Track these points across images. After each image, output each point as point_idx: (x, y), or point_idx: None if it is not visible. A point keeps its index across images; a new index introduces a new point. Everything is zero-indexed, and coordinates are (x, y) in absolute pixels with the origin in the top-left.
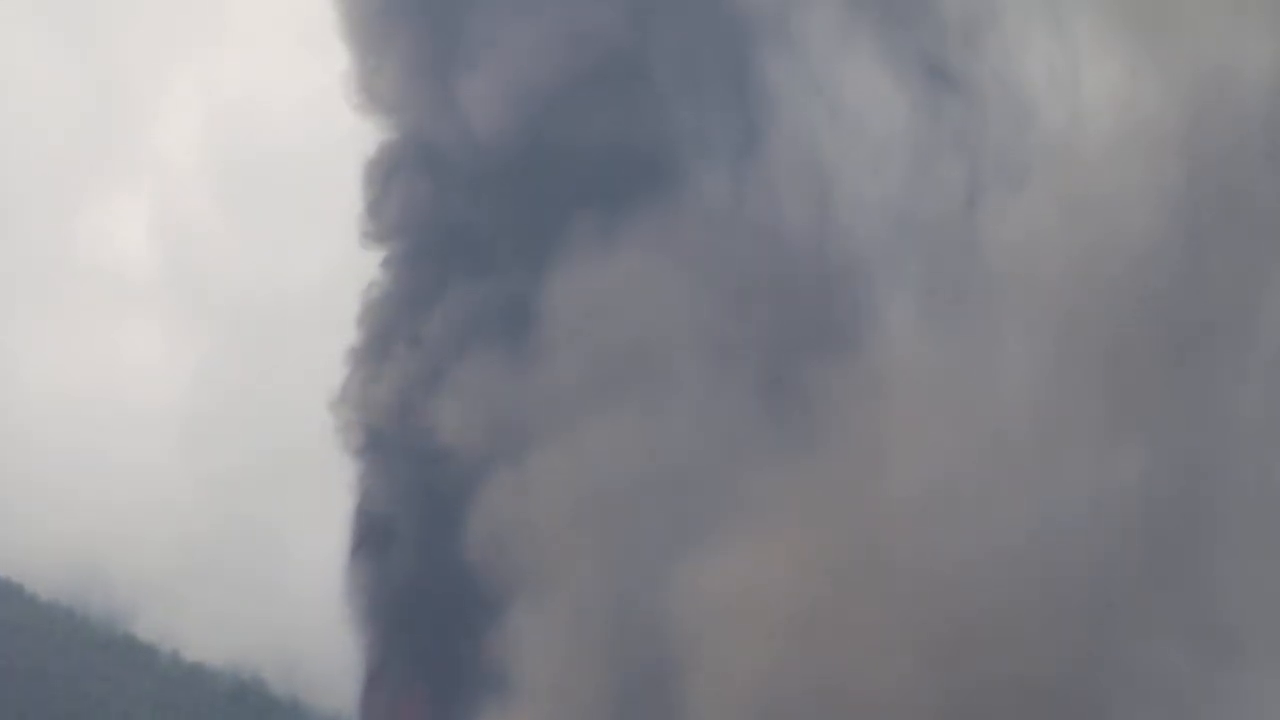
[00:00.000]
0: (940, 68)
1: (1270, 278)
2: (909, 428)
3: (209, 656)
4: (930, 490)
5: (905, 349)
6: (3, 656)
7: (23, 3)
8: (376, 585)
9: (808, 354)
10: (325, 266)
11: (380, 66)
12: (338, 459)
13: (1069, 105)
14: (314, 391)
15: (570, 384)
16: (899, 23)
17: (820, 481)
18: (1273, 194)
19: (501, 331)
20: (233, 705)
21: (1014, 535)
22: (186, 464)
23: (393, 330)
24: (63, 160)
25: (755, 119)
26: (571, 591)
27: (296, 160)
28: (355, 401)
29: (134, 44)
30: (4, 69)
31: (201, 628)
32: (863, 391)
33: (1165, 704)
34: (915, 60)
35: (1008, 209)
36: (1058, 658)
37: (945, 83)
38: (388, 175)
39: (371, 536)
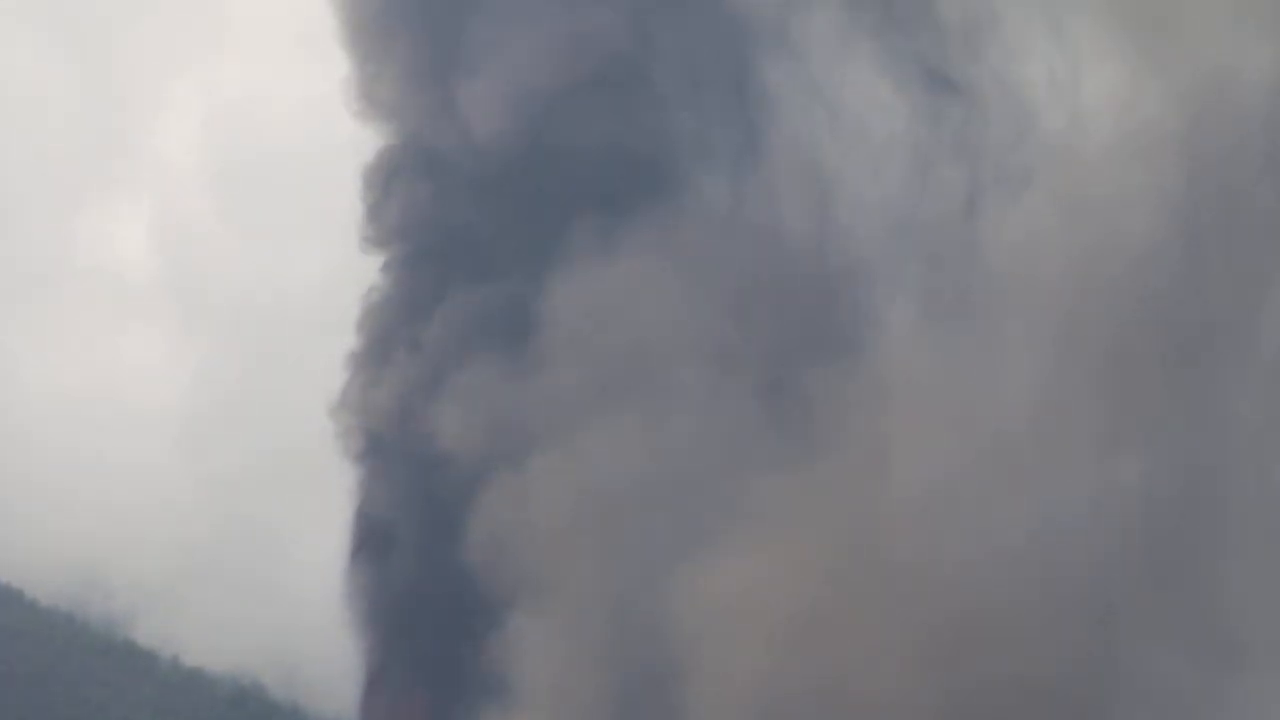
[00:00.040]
0: (940, 71)
1: (1271, 280)
2: (910, 431)
3: (209, 662)
4: (931, 493)
5: (906, 353)
6: (3, 662)
7: (23, 6)
8: (377, 589)
9: (808, 358)
10: (325, 269)
11: (380, 72)
12: (338, 462)
13: (1069, 108)
14: (314, 394)
15: (571, 388)
16: (899, 26)
17: (821, 485)
18: (1273, 196)
19: (502, 336)
20: (233, 711)
21: (1014, 538)
22: (186, 466)
23: (392, 335)
24: (63, 162)
25: (755, 123)
26: (572, 596)
27: (296, 162)
28: (355, 406)
29: (134, 47)
30: (4, 72)
31: (201, 632)
32: (863, 395)
33: (1165, 706)
34: (915, 64)
35: (1008, 212)
36: (1058, 660)
37: (945, 86)
38: (387, 180)
39: (372, 540)
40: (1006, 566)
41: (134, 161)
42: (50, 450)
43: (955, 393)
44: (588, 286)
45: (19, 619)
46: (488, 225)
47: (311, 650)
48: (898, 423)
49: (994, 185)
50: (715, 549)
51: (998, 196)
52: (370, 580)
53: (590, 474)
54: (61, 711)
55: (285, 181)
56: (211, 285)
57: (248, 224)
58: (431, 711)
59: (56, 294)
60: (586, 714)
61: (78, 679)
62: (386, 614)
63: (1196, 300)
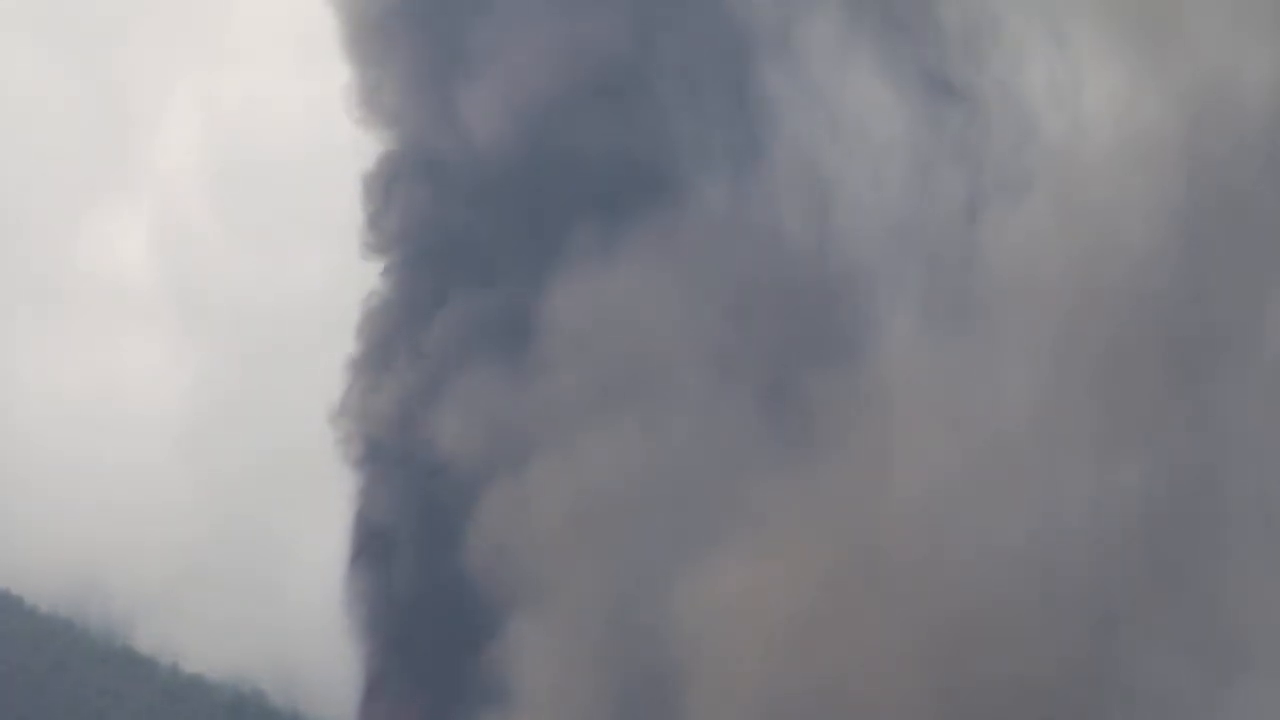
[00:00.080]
0: (940, 76)
1: (1271, 284)
2: (910, 434)
3: (208, 668)
4: (931, 496)
5: (906, 358)
6: (2, 669)
7: (23, 12)
8: (376, 595)
9: (808, 363)
10: (325, 273)
11: (381, 79)
12: (338, 468)
13: (1069, 114)
14: (314, 400)
15: (571, 393)
16: (899, 32)
17: (821, 488)
18: (1273, 200)
19: (502, 341)
20: (232, 717)
21: (1014, 540)
22: (186, 471)
23: (392, 340)
24: (64, 167)
25: (756, 129)
26: (572, 600)
27: (296, 168)
28: (355, 412)
29: (134, 53)
30: (4, 78)
31: (200, 638)
32: (863, 400)
33: (1164, 707)
34: (915, 68)
35: (1008, 217)
36: (1057, 664)
37: (945, 91)
38: (388, 186)
39: (371, 546)
40: (1006, 568)
41: (134, 166)
42: (49, 455)
43: (955, 396)
44: (588, 291)
45: (18, 625)
46: (488, 230)
47: (311, 656)
48: (898, 426)
49: (994, 189)
50: (715, 552)
51: (998, 201)
52: (370, 586)
53: (590, 478)
54: (62, 718)
55: (285, 186)
56: (211, 290)
57: (248, 229)
58: (430, 717)
59: (57, 299)
60: (586, 718)
61: (77, 686)
62: (386, 620)
63: (1196, 304)
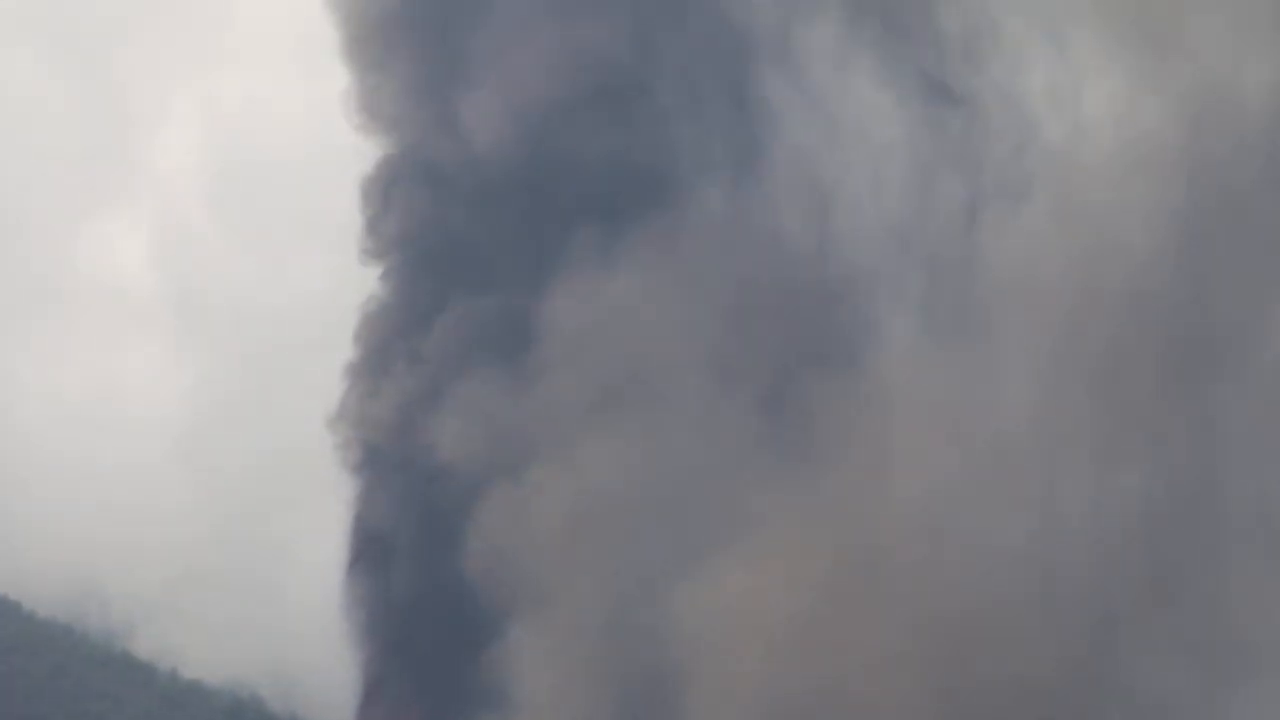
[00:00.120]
0: (940, 82)
1: (1271, 288)
2: (909, 442)
3: (207, 674)
4: (930, 499)
5: (906, 362)
6: (1, 674)
7: (23, 13)
8: (375, 601)
9: (808, 369)
10: (325, 275)
11: (381, 84)
12: (336, 473)
13: (1069, 118)
14: (312, 405)
15: (570, 400)
16: (899, 38)
17: (821, 492)
18: (1273, 204)
19: (501, 347)
20: None
21: (1014, 543)
22: (184, 475)
23: (391, 346)
24: (63, 170)
25: (756, 134)
26: (570, 607)
27: (295, 172)
28: (353, 418)
29: (134, 55)
30: (4, 83)
31: (199, 644)
32: (863, 406)
33: (1163, 709)
34: (915, 74)
35: (1008, 222)
36: (1057, 667)
37: (945, 97)
38: (386, 191)
39: (370, 552)
40: (1006, 570)
41: (134, 168)
42: (49, 460)
43: (955, 399)
44: (587, 295)
45: (17, 631)
46: (487, 234)
47: (309, 661)
48: (897, 428)
49: (994, 193)
50: (715, 555)
51: (998, 204)
52: (368, 591)
53: (590, 482)
54: None
55: (285, 188)
56: (211, 292)
57: (247, 231)
58: None
59: (57, 300)
60: None
61: (76, 691)
62: (385, 625)
63: (1196, 309)
